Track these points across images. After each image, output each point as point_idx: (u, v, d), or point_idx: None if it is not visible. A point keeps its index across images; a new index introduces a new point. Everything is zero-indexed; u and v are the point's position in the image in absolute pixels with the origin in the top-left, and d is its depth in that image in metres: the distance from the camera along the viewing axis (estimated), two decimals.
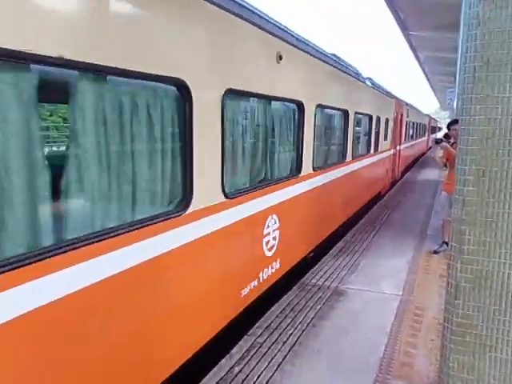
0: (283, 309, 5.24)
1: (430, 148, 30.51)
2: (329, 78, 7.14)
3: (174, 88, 3.34)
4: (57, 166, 2.58)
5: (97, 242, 2.66)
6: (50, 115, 20.90)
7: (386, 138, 13.00)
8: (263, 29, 4.60)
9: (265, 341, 4.45)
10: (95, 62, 2.53)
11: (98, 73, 2.67)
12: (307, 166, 6.28)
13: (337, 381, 3.77)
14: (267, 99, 5.08)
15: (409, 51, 18.03)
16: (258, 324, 4.83)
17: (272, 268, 5.37)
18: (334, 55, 7.84)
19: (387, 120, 12.94)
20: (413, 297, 5.67)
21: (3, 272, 2.14)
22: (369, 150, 10.79)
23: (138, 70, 2.86)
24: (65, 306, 2.47)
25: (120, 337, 2.95)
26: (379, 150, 12.07)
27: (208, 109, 3.70)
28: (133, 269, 2.94)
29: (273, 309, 5.24)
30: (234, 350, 4.22)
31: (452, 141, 7.72)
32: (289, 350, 4.26)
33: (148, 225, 3.08)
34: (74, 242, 2.54)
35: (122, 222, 2.94)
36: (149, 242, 3.08)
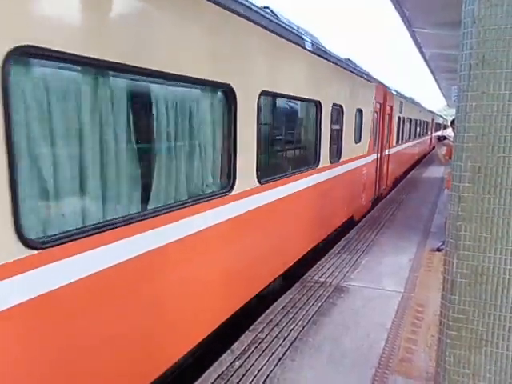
0: (285, 305, 5.28)
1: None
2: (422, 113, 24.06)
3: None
4: None
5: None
6: None
7: (430, 129, 31.13)
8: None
9: (266, 336, 4.50)
10: None
11: None
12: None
13: (336, 376, 3.81)
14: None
15: (414, 48, 17.93)
16: (259, 320, 4.88)
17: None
18: (430, 111, 31.54)
19: (429, 122, 30.37)
20: (414, 294, 5.70)
21: None
22: (424, 134, 27.38)
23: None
24: None
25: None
26: (427, 135, 29.33)
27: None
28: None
29: (274, 305, 5.28)
30: (234, 346, 4.27)
31: None
32: (289, 346, 4.30)
33: None
34: None
35: None
36: None
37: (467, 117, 2.38)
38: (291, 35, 5.41)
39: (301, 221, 6.32)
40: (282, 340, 4.42)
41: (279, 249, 5.62)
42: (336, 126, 7.53)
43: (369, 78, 9.95)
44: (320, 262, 6.94)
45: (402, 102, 15.08)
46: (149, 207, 3.26)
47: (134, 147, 3.10)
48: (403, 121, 15.91)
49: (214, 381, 3.71)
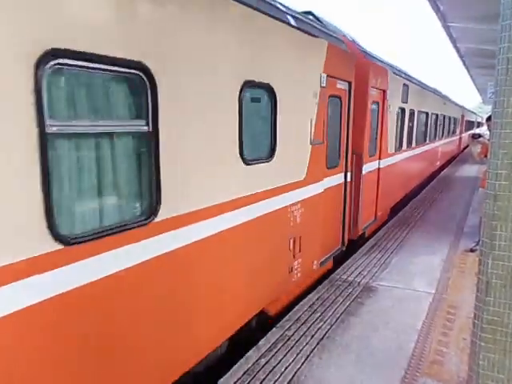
0: (313, 303, 5.25)
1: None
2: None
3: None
4: None
5: None
6: None
7: (474, 126, 42.57)
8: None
9: (293, 334, 4.48)
10: None
11: None
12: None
13: (364, 376, 3.76)
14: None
15: (448, 43, 17.40)
16: (286, 317, 4.87)
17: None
18: (474, 112, 44.53)
19: (474, 121, 41.37)
20: (446, 295, 5.55)
21: None
22: (472, 129, 37.05)
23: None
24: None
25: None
26: (472, 130, 36.86)
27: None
28: None
29: (302, 303, 5.26)
30: (261, 343, 4.28)
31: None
32: (317, 344, 4.28)
33: None
34: None
35: None
36: None
37: (504, 112, 2.29)
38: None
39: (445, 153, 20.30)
40: (309, 338, 4.40)
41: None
42: (456, 123, 23.11)
43: (459, 105, 25.07)
44: (349, 261, 6.86)
45: (465, 113, 29.74)
46: None
47: None
48: (466, 121, 30.67)
49: (241, 377, 3.73)
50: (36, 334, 2.27)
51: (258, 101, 4.33)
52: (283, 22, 4.43)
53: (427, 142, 14.22)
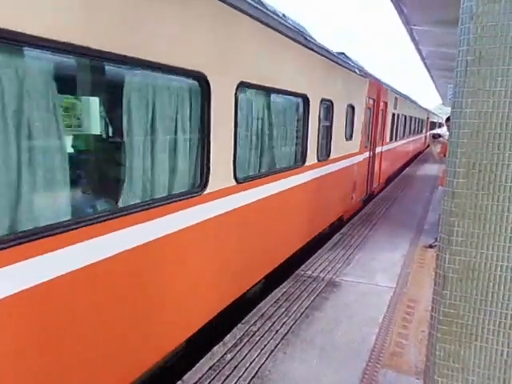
0: (278, 299, 5.30)
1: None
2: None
3: None
4: None
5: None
6: None
7: (438, 125, 48.84)
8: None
9: (258, 329, 4.52)
10: None
11: None
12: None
13: (327, 369, 3.84)
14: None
15: (410, 45, 17.91)
16: (251, 312, 4.89)
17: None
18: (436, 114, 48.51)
19: (440, 122, 48.68)
20: (406, 289, 5.74)
21: None
22: (442, 127, 45.52)
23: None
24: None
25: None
26: (433, 131, 37.00)
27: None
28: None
29: (267, 298, 5.30)
30: (227, 338, 4.29)
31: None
32: (281, 339, 4.33)
33: None
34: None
35: None
36: None
37: (463, 113, 2.38)
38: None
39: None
40: (274, 333, 4.45)
41: None
42: (423, 123, 28.84)
43: (424, 108, 29.35)
44: (313, 257, 6.97)
45: (429, 115, 34.03)
46: None
47: None
48: (430, 122, 35.19)
49: (206, 372, 3.73)
50: None
51: (348, 112, 8.64)
52: (355, 73, 9.00)
53: (405, 137, 19.33)
